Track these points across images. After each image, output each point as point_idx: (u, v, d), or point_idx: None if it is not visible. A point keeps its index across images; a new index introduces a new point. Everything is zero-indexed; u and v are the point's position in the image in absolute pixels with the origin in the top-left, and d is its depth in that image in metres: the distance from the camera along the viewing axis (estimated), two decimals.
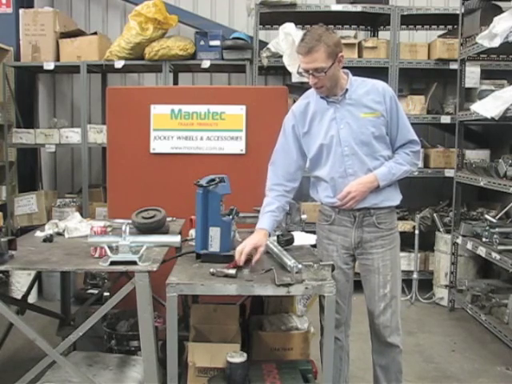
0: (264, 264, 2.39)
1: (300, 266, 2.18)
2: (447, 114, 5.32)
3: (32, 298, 4.56)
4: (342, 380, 2.72)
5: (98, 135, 5.16)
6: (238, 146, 3.82)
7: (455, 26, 5.21)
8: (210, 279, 2.21)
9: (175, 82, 5.84)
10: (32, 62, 5.26)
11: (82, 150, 5.21)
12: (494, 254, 3.99)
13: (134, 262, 2.32)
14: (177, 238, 2.54)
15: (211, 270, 2.27)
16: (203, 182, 2.46)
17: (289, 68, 5.00)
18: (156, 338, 2.42)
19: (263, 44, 5.25)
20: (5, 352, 3.37)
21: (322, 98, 2.55)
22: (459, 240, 4.67)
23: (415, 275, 5.15)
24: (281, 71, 5.48)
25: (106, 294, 3.73)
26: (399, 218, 2.74)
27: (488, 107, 4.04)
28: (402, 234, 2.71)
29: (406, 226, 5.14)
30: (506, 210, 4.75)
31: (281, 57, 5.05)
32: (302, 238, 2.89)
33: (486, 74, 5.12)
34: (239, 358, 2.36)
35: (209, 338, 2.61)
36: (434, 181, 5.63)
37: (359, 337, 3.49)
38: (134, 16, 5.01)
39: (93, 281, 4.96)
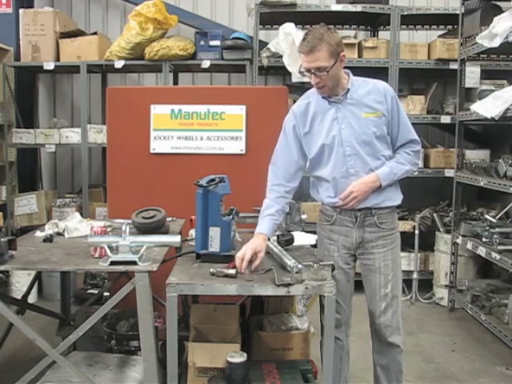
0: (264, 264, 2.39)
1: (300, 265, 2.18)
2: (447, 114, 5.32)
3: (32, 298, 4.56)
4: (343, 380, 2.72)
5: (97, 135, 5.17)
6: (238, 146, 3.82)
7: (455, 26, 5.21)
8: (210, 279, 2.21)
9: (175, 82, 5.84)
10: (32, 62, 5.26)
11: (81, 150, 5.21)
12: (494, 254, 3.98)
13: (134, 262, 2.33)
14: (177, 238, 2.53)
15: (211, 270, 2.27)
16: (203, 182, 2.46)
17: (289, 68, 5.01)
18: (156, 338, 2.42)
19: (263, 44, 5.26)
20: (5, 352, 3.37)
21: (323, 97, 2.55)
22: (459, 240, 4.67)
23: (415, 275, 5.15)
24: (281, 71, 5.47)
25: (106, 294, 3.73)
26: (399, 218, 2.74)
27: (488, 107, 4.04)
28: (402, 233, 2.71)
29: (406, 225, 5.14)
30: (506, 210, 4.75)
31: (281, 57, 5.05)
32: (301, 238, 2.88)
33: (486, 74, 5.12)
34: (239, 357, 2.36)
35: (209, 338, 2.61)
36: (434, 181, 5.63)
37: (359, 337, 3.49)
38: (133, 16, 5.01)
39: (93, 281, 4.95)
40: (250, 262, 2.31)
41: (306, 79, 4.92)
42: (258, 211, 2.61)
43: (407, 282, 5.04)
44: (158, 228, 2.90)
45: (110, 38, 5.55)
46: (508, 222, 4.66)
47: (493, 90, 4.49)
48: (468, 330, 4.43)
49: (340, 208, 2.57)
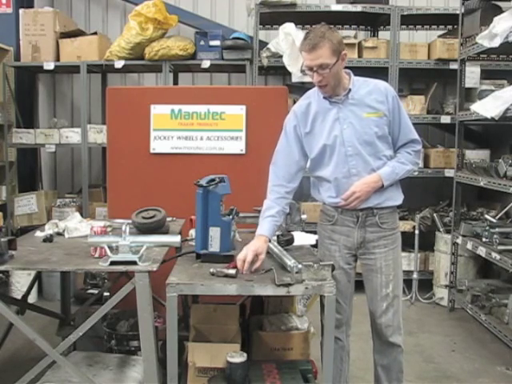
0: (264, 264, 2.39)
1: (300, 265, 2.18)
2: (447, 114, 5.32)
3: (32, 298, 4.56)
4: (343, 380, 2.72)
5: (98, 135, 5.17)
6: (238, 146, 3.82)
7: (455, 26, 5.21)
8: (210, 279, 2.21)
9: (175, 82, 5.84)
10: (32, 62, 5.26)
11: (81, 150, 5.21)
12: (494, 254, 3.98)
13: (134, 262, 2.32)
14: (177, 238, 2.53)
15: (211, 270, 2.27)
16: (203, 182, 2.46)
17: (289, 68, 5.01)
18: (156, 338, 2.42)
19: (263, 44, 5.26)
20: (5, 352, 3.37)
21: (324, 98, 2.55)
22: (459, 240, 4.67)
23: (415, 275, 5.15)
24: (281, 71, 5.47)
25: (106, 294, 3.73)
26: (399, 218, 2.74)
27: (488, 107, 4.04)
28: (402, 234, 2.71)
29: (406, 225, 5.14)
30: (506, 210, 4.75)
31: (281, 57, 5.05)
32: (302, 238, 2.88)
33: (486, 74, 5.12)
34: (239, 357, 2.36)
35: (209, 338, 2.61)
36: (434, 181, 5.63)
37: (360, 337, 3.50)
38: (133, 16, 5.01)
39: (93, 281, 4.96)
40: (251, 263, 2.31)
41: (306, 79, 5.03)
42: (258, 211, 2.61)
43: (407, 282, 5.03)
44: (158, 228, 2.90)
45: (109, 38, 5.55)
46: (508, 222, 4.66)
47: (493, 90, 4.49)
48: (468, 330, 4.43)
49: (342, 208, 2.57)
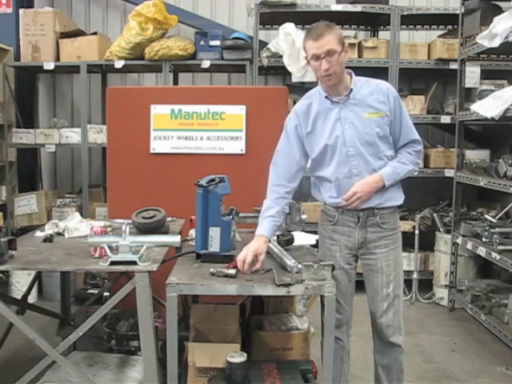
0: (264, 264, 2.39)
1: (300, 266, 2.18)
2: (447, 114, 5.32)
3: (32, 298, 4.56)
4: (343, 380, 2.72)
5: (98, 135, 5.16)
6: (238, 146, 3.82)
7: (455, 26, 5.21)
8: (209, 279, 2.21)
9: (175, 82, 5.84)
10: (32, 62, 5.26)
11: (81, 150, 5.21)
12: (494, 254, 3.98)
13: (134, 262, 2.32)
14: (177, 238, 2.53)
15: (211, 270, 2.27)
16: (203, 182, 2.46)
17: (289, 68, 5.01)
18: (156, 338, 2.42)
19: (263, 44, 5.26)
20: (5, 352, 3.37)
21: (326, 97, 2.54)
22: (459, 240, 4.67)
23: (415, 275, 5.15)
24: (281, 71, 5.47)
25: (106, 294, 3.73)
26: (399, 218, 2.74)
27: (488, 107, 4.04)
28: (402, 234, 2.71)
29: (406, 225, 5.14)
30: (506, 210, 4.75)
31: (281, 57, 5.05)
32: (301, 238, 2.88)
33: (486, 74, 5.12)
34: (239, 357, 2.36)
35: (209, 338, 2.61)
36: (434, 181, 5.63)
37: (360, 337, 3.50)
38: (133, 16, 5.01)
39: (93, 281, 4.96)
40: (251, 264, 2.32)
41: (306, 79, 5.04)
42: (258, 211, 2.60)
43: (407, 282, 5.02)
44: (158, 228, 2.90)
45: (109, 38, 5.55)
46: (508, 221, 4.66)
47: (493, 90, 4.49)
48: (468, 330, 4.43)
49: (342, 208, 2.57)
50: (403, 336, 2.65)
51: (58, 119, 5.66)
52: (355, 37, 5.49)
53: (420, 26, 5.91)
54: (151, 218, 2.91)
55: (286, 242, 2.71)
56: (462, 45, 4.76)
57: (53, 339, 3.09)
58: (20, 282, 4.83)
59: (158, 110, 3.83)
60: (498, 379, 3.56)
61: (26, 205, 5.30)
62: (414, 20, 5.53)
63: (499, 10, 4.25)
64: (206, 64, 5.16)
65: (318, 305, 2.63)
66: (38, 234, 2.93)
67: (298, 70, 4.98)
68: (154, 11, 4.95)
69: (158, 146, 3.84)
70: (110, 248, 2.36)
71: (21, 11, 5.29)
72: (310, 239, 2.90)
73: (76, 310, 3.78)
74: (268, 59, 5.13)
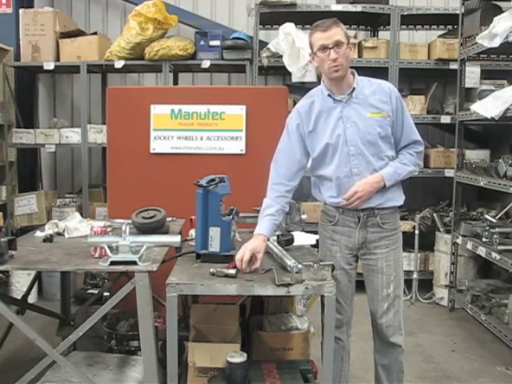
0: (264, 264, 2.39)
1: (300, 266, 2.18)
2: (447, 114, 5.32)
3: (32, 298, 4.56)
4: (343, 380, 2.72)
5: (98, 135, 5.17)
6: (238, 146, 3.82)
7: (455, 26, 5.21)
8: (209, 279, 2.21)
9: (175, 82, 5.84)
10: (32, 62, 5.26)
11: (81, 150, 5.21)
12: (494, 254, 3.98)
13: (134, 262, 2.32)
14: (177, 238, 2.53)
15: (211, 270, 2.27)
16: (203, 182, 2.46)
17: (289, 68, 5.01)
18: (156, 338, 2.42)
19: (263, 44, 5.26)
20: (5, 352, 3.37)
21: (328, 95, 2.54)
22: (459, 240, 4.67)
23: (415, 275, 5.15)
24: (281, 71, 5.47)
25: (106, 294, 3.73)
26: (399, 218, 2.74)
27: (488, 107, 4.04)
28: (402, 233, 2.70)
29: (406, 225, 5.14)
30: (506, 210, 4.75)
31: (281, 57, 5.05)
32: (301, 238, 2.88)
33: (486, 74, 5.12)
34: (239, 357, 2.36)
35: (209, 338, 2.60)
36: (434, 181, 5.64)
37: (360, 337, 3.50)
38: (133, 16, 5.01)
39: (93, 281, 4.96)
40: (250, 262, 2.31)
41: (306, 79, 5.03)
42: (258, 211, 2.60)
43: (407, 282, 5.01)
44: (158, 228, 2.90)
45: (110, 38, 5.55)
46: (508, 221, 4.66)
47: (493, 90, 4.49)
48: (468, 330, 4.43)
49: (343, 208, 2.57)
50: (403, 336, 2.65)
51: (58, 119, 5.66)
52: (355, 37, 5.49)
53: (420, 26, 5.91)
54: (151, 218, 2.91)
55: (286, 241, 2.71)
56: (462, 45, 4.76)
57: (53, 339, 3.09)
58: (20, 282, 4.83)
59: (158, 110, 3.83)
60: (497, 379, 3.56)
61: (26, 205, 5.30)
62: (414, 20, 5.53)
63: (499, 10, 4.25)
64: (205, 64, 5.16)
65: (318, 305, 2.63)
66: (38, 233, 2.93)
67: (298, 70, 4.98)
68: (153, 11, 4.95)
69: (157, 146, 3.84)
70: (110, 248, 2.36)
71: (21, 11, 5.29)
72: (310, 239, 2.90)
73: (76, 310, 3.79)
74: (268, 59, 5.13)
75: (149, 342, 2.32)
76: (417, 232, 5.11)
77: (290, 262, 2.25)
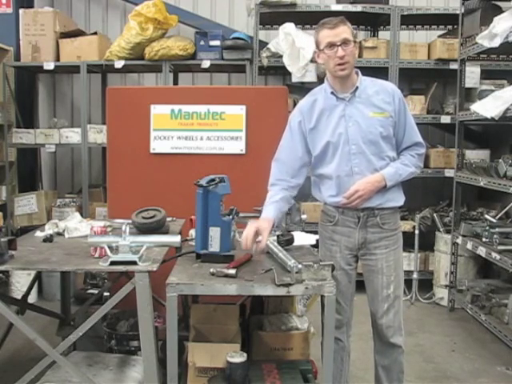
0: (264, 264, 2.39)
1: (300, 265, 2.18)
2: (447, 114, 5.32)
3: (32, 298, 4.56)
4: (343, 380, 2.72)
5: (98, 135, 5.17)
6: (238, 146, 3.82)
7: (455, 26, 5.21)
8: (209, 279, 2.21)
9: (175, 82, 5.84)
10: (32, 62, 5.26)
11: (81, 150, 5.21)
12: (494, 254, 3.98)
13: (134, 262, 2.32)
14: (177, 238, 2.53)
15: (211, 270, 2.26)
16: (203, 182, 2.46)
17: (289, 68, 5.01)
18: (156, 338, 2.42)
19: (263, 44, 5.26)
20: (5, 352, 3.37)
21: (332, 93, 2.54)
22: (459, 240, 4.67)
23: (415, 275, 5.15)
24: (281, 71, 5.47)
25: (106, 294, 3.73)
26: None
27: (488, 107, 4.04)
28: (402, 234, 2.70)
29: (406, 225, 5.14)
30: (506, 210, 4.75)
31: (281, 57, 5.05)
32: (302, 238, 2.88)
33: (486, 74, 5.12)
34: (239, 357, 2.36)
35: (209, 338, 2.60)
36: (434, 181, 5.63)
37: (360, 337, 3.50)
38: (134, 16, 5.01)
39: (93, 281, 4.95)
40: (254, 240, 2.34)
41: (306, 79, 5.04)
42: (258, 211, 2.60)
43: (407, 282, 4.99)
44: (158, 228, 2.90)
45: (110, 38, 5.55)
46: (508, 221, 4.66)
47: (493, 90, 4.49)
48: (468, 330, 4.43)
49: (343, 208, 2.57)
50: (403, 337, 2.65)
51: (58, 119, 5.66)
52: (355, 37, 5.48)
53: (420, 26, 5.91)
54: (151, 218, 2.91)
55: (286, 241, 2.71)
56: (462, 45, 4.75)
57: (53, 339, 3.09)
58: (20, 282, 4.83)
59: (158, 110, 3.83)
60: (497, 379, 3.56)
61: (26, 205, 5.30)
62: (414, 20, 5.53)
63: (499, 10, 4.25)
64: (205, 64, 5.16)
65: (318, 305, 2.63)
66: (38, 233, 2.93)
67: (298, 70, 4.98)
68: (154, 11, 4.95)
69: (158, 146, 3.84)
70: (110, 248, 2.36)
71: (21, 11, 5.29)
72: (310, 239, 2.89)
73: (76, 310, 3.79)
74: (268, 59, 5.13)
75: (149, 342, 2.32)
76: (417, 232, 5.11)
77: (290, 261, 2.25)
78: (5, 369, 3.46)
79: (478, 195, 5.60)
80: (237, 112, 3.81)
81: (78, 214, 3.23)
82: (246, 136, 3.81)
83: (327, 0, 5.62)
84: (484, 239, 4.22)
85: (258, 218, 2.57)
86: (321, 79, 4.98)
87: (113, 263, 2.32)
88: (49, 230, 2.95)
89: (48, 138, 5.22)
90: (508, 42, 3.80)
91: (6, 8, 5.42)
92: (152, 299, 2.34)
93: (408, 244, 5.11)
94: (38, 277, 4.12)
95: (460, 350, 4.02)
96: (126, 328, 3.07)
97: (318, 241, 2.78)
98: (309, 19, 5.36)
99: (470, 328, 4.47)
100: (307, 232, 2.98)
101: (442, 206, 5.58)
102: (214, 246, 2.46)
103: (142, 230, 2.86)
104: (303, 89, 5.12)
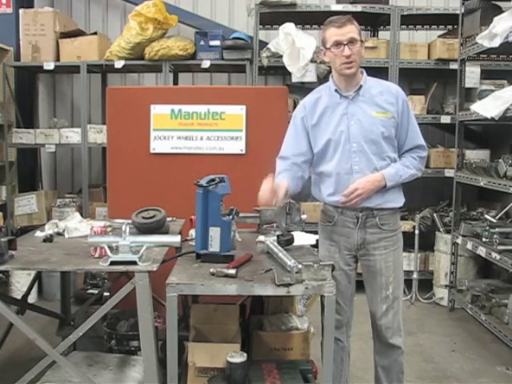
0: (264, 264, 2.39)
1: (300, 265, 2.18)
2: (447, 114, 5.32)
3: (32, 298, 4.56)
4: (343, 380, 2.73)
5: (98, 135, 5.17)
6: (238, 146, 3.82)
7: (455, 26, 5.21)
8: (209, 279, 2.21)
9: (175, 82, 5.84)
10: (32, 62, 5.26)
11: (81, 150, 5.21)
12: (494, 254, 3.98)
13: (134, 262, 2.32)
14: (177, 238, 2.53)
15: (211, 270, 2.26)
16: (203, 182, 2.46)
17: (289, 68, 5.01)
18: (156, 338, 2.42)
19: (263, 44, 5.26)
20: (5, 352, 3.37)
21: (335, 91, 2.55)
22: (459, 240, 4.67)
23: (415, 275, 5.15)
24: (281, 71, 5.47)
25: (106, 294, 3.73)
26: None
27: (488, 107, 4.04)
28: (402, 234, 2.70)
29: (406, 225, 5.14)
30: (506, 210, 4.75)
31: (281, 57, 5.05)
32: (301, 238, 2.88)
33: (486, 74, 5.12)
34: (239, 357, 2.36)
35: (209, 338, 2.61)
36: (434, 181, 5.63)
37: (360, 337, 3.50)
38: (134, 16, 5.01)
39: (93, 281, 4.95)
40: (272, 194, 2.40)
41: (306, 79, 5.04)
42: (258, 211, 2.60)
43: (407, 282, 5.01)
44: (158, 228, 2.90)
45: (110, 38, 5.55)
46: (508, 221, 4.66)
47: (493, 90, 4.49)
48: (468, 330, 4.43)
49: (342, 207, 2.57)
50: (403, 337, 2.65)
51: (58, 119, 5.66)
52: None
53: (420, 26, 5.91)
54: (151, 218, 2.91)
55: (286, 241, 2.70)
56: (462, 45, 4.75)
57: (53, 339, 3.09)
58: (20, 282, 4.83)
59: (158, 110, 3.83)
60: (498, 379, 3.56)
61: (26, 205, 5.30)
62: (414, 20, 5.53)
63: (499, 10, 4.25)
64: (205, 64, 5.16)
65: (318, 305, 2.63)
66: (38, 233, 2.93)
67: (298, 70, 4.98)
68: (154, 11, 4.95)
69: (158, 145, 3.84)
70: (110, 248, 2.36)
71: (21, 11, 5.29)
72: (310, 239, 2.89)
73: (76, 310, 3.79)
74: (268, 59, 5.13)
75: (149, 342, 2.32)
76: (417, 232, 5.11)
77: (290, 261, 2.25)
78: (5, 369, 3.46)
79: (478, 195, 5.60)
80: (237, 112, 3.81)
81: (77, 214, 3.23)
82: (245, 136, 3.81)
83: (327, 0, 5.61)
84: (484, 239, 4.22)
85: (258, 217, 2.57)
86: (321, 79, 5.00)
87: (113, 263, 2.32)
88: (49, 230, 2.95)
89: (48, 137, 5.22)
90: (508, 42, 3.80)
91: (5, 8, 5.42)
92: (152, 299, 2.34)
93: (408, 244, 5.10)
94: (38, 277, 4.12)
95: (460, 350, 4.02)
96: (125, 328, 3.07)
97: (317, 241, 2.78)
98: (309, 19, 5.36)
99: (469, 328, 4.47)
100: (307, 232, 2.97)
101: (442, 206, 5.58)
102: (214, 246, 2.45)
103: (142, 230, 2.86)
104: (303, 89, 5.12)
